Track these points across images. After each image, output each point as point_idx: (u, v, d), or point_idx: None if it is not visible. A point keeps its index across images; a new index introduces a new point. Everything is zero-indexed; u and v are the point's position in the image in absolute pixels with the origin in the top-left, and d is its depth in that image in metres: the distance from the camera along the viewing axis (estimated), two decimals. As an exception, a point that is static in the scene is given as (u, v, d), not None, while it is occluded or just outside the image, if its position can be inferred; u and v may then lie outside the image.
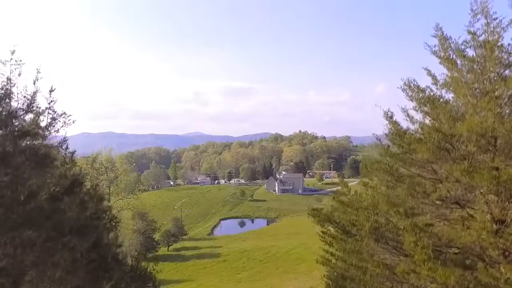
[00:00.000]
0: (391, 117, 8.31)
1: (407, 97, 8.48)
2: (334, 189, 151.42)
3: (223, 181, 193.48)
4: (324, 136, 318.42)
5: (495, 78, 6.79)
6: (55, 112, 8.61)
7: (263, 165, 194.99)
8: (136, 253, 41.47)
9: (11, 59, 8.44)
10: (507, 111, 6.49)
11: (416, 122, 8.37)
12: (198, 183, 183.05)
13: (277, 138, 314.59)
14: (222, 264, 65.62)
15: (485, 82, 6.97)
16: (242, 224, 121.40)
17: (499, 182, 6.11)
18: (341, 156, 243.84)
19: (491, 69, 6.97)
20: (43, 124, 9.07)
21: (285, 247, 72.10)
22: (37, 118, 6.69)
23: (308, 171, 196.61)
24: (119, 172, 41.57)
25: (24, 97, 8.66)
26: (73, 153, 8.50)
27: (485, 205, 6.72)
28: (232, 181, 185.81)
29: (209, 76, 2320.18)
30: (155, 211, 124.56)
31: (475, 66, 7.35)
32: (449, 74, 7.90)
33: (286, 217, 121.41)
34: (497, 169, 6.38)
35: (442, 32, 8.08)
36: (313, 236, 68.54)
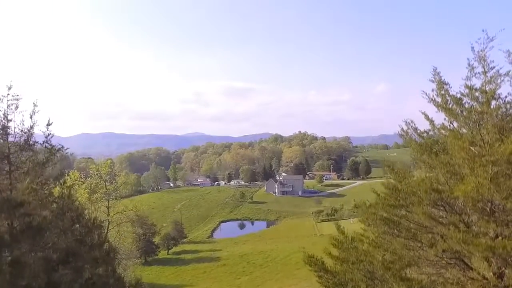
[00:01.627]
0: (390, 166, 8.24)
1: (405, 141, 8.41)
2: (334, 191, 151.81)
3: (223, 182, 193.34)
4: (324, 137, 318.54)
5: (492, 138, 6.71)
6: (52, 146, 8.56)
7: (263, 167, 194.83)
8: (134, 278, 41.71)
9: (8, 94, 8.40)
10: (504, 176, 6.42)
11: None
12: (198, 184, 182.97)
13: (277, 138, 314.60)
14: (222, 268, 65.49)
15: (482, 135, 6.90)
16: (242, 226, 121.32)
17: (495, 253, 6.07)
18: (341, 157, 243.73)
19: (488, 122, 6.92)
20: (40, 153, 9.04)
21: (285, 251, 72.00)
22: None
23: (308, 173, 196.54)
24: (118, 185, 41.44)
25: (21, 130, 8.62)
26: (70, 187, 8.46)
27: (481, 267, 6.66)
28: (232, 183, 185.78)
29: (209, 77, 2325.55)
30: (154, 213, 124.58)
31: (473, 116, 7.30)
32: (447, 119, 7.85)
33: (286, 219, 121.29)
34: (496, 236, 6.31)
35: (440, 77, 8.03)
36: (313, 239, 69.08)
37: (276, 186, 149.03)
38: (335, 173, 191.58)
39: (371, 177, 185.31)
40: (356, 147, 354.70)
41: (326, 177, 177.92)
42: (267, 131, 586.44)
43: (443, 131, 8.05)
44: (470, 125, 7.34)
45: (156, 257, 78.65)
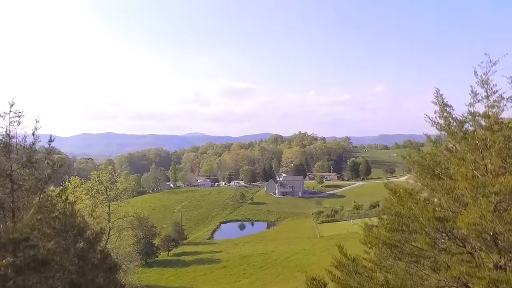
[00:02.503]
0: (393, 189, 8.21)
1: (409, 164, 8.40)
2: (334, 191, 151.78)
3: (223, 183, 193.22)
4: (324, 137, 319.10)
5: (496, 166, 6.67)
6: (54, 163, 8.54)
7: (263, 167, 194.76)
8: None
9: (10, 111, 8.38)
10: (507, 207, 6.38)
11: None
12: (198, 185, 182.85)
13: (277, 139, 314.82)
14: (222, 270, 65.41)
15: (486, 163, 6.85)
16: (242, 227, 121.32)
17: (498, 286, 6.02)
18: (341, 158, 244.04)
19: (492, 149, 6.86)
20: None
21: (285, 253, 72.00)
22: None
23: (308, 173, 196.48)
24: (119, 191, 41.38)
25: (23, 147, 8.59)
26: (73, 203, 8.46)
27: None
28: (232, 183, 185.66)
29: (209, 77, 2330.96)
30: (155, 214, 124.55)
31: (476, 141, 7.26)
32: (450, 141, 7.82)
33: (286, 220, 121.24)
34: (497, 267, 6.28)
35: (443, 99, 8.01)
36: (313, 240, 68.89)
37: (276, 187, 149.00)
38: (335, 173, 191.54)
39: (371, 178, 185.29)
40: (356, 147, 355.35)
41: (326, 177, 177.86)
42: (267, 131, 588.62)
43: (446, 153, 8.03)
44: (473, 149, 7.30)
45: (157, 258, 78.63)
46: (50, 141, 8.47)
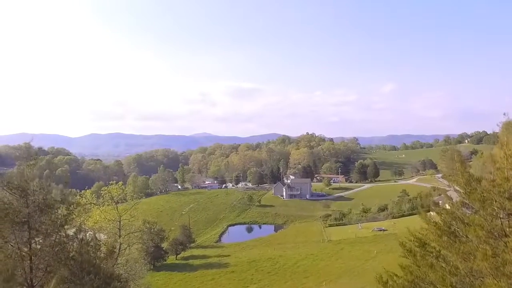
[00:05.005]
0: (408, 248, 8.17)
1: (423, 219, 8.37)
2: (342, 194, 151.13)
3: (230, 185, 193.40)
4: (332, 138, 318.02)
5: None
6: (71, 204, 8.63)
7: (270, 169, 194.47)
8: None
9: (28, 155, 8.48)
10: None
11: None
12: (206, 187, 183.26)
13: (285, 140, 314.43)
14: (230, 275, 65.41)
15: (507, 236, 6.74)
16: (250, 230, 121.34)
17: None
18: (349, 159, 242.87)
19: (510, 216, 6.78)
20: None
21: (293, 258, 71.84)
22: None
23: (315, 175, 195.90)
24: (129, 207, 41.87)
25: (40, 188, 8.67)
26: (88, 243, 8.58)
27: None
28: (239, 185, 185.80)
29: (215, 77, 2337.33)
30: (163, 216, 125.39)
31: (496, 209, 7.15)
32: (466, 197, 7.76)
33: (293, 223, 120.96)
34: None
35: (461, 157, 7.88)
36: (321, 245, 68.77)
37: (284, 189, 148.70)
38: (343, 176, 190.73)
39: (379, 180, 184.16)
40: (364, 148, 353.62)
41: (334, 180, 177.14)
42: (274, 131, 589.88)
43: (464, 209, 7.96)
44: (492, 216, 7.20)
45: (165, 262, 79.04)
46: (66, 182, 8.57)
